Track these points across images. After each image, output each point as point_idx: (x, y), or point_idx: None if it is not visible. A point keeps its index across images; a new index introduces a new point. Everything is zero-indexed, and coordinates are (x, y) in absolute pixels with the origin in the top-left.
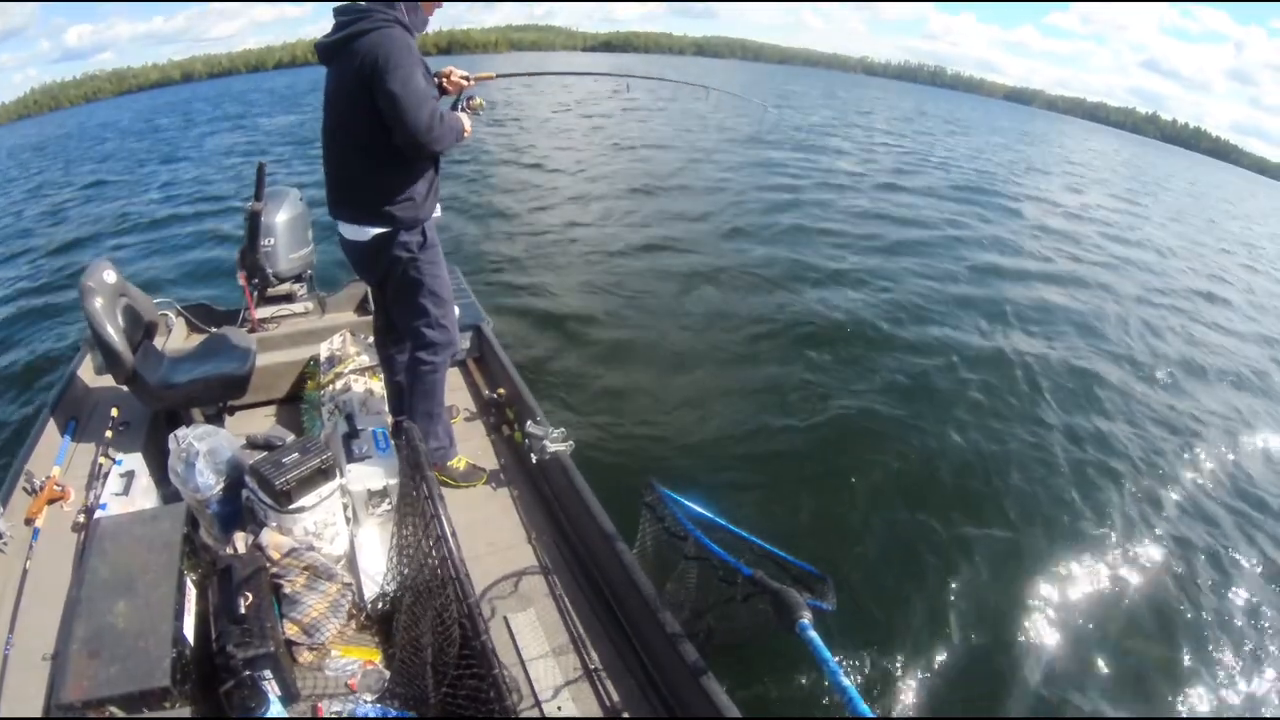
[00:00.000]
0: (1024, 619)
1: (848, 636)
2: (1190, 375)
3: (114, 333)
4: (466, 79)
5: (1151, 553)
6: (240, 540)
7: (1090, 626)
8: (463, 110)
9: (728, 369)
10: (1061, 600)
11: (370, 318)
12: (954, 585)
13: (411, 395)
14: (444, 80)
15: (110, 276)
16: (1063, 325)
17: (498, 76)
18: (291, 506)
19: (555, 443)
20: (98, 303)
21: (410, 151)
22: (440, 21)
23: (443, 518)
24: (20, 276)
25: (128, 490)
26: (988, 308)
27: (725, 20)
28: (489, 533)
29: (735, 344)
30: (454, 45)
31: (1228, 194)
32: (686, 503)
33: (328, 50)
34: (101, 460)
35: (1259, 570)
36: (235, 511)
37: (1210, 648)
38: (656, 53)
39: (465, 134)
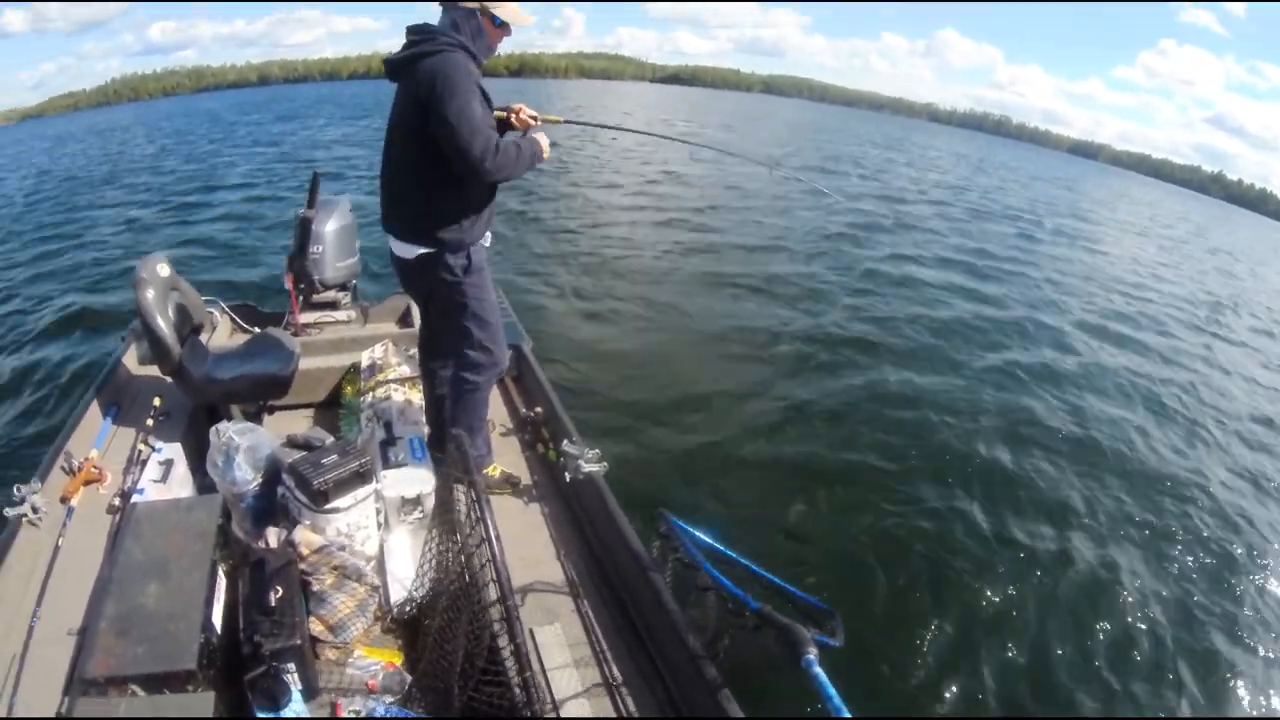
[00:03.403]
0: (1042, 664)
1: (857, 672)
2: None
3: (163, 324)
4: (534, 118)
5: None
6: (272, 535)
7: (1115, 673)
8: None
9: (758, 402)
10: (1081, 645)
11: (410, 330)
12: (968, 626)
13: (454, 410)
14: (513, 116)
15: (164, 270)
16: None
17: (565, 122)
18: (327, 506)
19: (590, 463)
20: (150, 294)
21: (465, 177)
22: (512, 45)
23: (489, 522)
24: (72, 264)
25: (165, 478)
26: (1027, 358)
27: (792, 60)
28: (519, 547)
29: (771, 378)
30: (524, 68)
31: None
32: (698, 534)
33: (395, 68)
34: (141, 447)
35: None
36: (269, 507)
37: None
38: (724, 89)
39: (545, 155)
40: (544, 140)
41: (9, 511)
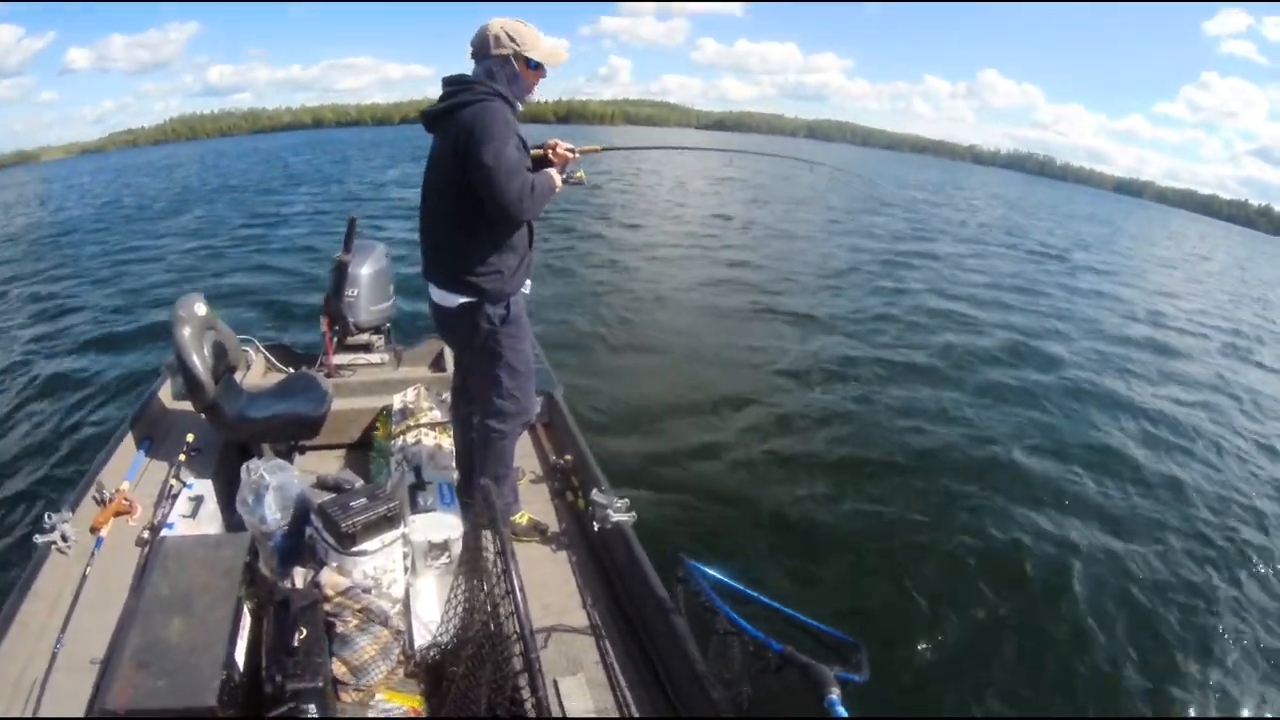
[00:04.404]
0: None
1: (883, 706)
2: None
3: (198, 362)
4: (572, 151)
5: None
6: (298, 575)
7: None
8: (567, 182)
9: (784, 439)
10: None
11: (443, 374)
12: (996, 662)
13: (482, 458)
14: (550, 152)
15: (200, 309)
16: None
17: (603, 150)
18: (354, 549)
19: (618, 513)
20: (186, 332)
21: (499, 221)
22: (559, 91)
23: (514, 573)
24: (104, 305)
25: (195, 514)
26: (1080, 397)
27: (835, 105)
28: (545, 595)
29: (802, 418)
30: (572, 114)
31: None
32: (718, 575)
33: (432, 119)
34: (172, 482)
35: None
36: (296, 547)
37: None
38: (768, 133)
39: (556, 190)
40: (556, 176)
41: (39, 538)
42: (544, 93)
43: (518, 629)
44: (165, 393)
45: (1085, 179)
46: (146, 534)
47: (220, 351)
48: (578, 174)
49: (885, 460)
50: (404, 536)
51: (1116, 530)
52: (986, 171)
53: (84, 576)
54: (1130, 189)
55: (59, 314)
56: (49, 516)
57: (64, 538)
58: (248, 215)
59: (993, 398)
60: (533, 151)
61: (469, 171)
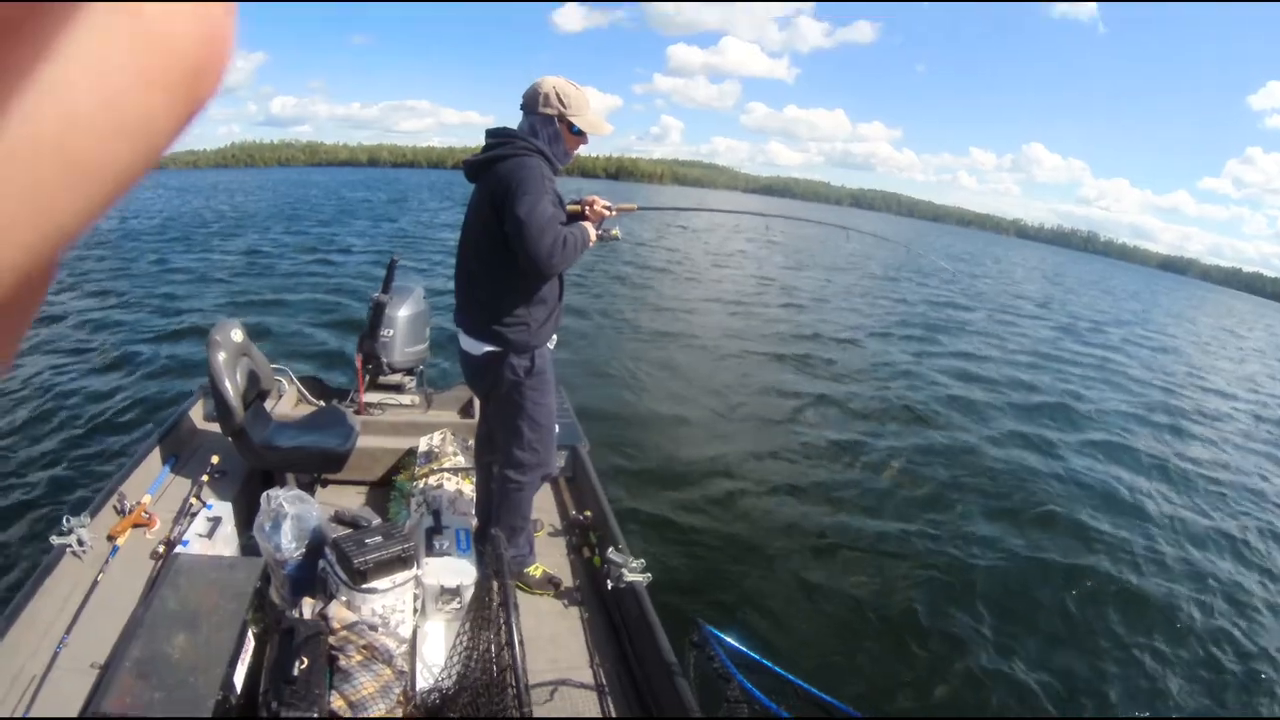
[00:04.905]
0: None
1: None
2: None
3: (230, 387)
4: (608, 209)
5: None
6: (307, 606)
7: None
8: (602, 239)
9: (816, 508)
10: None
11: (471, 421)
12: None
13: (499, 508)
14: (587, 209)
15: (236, 335)
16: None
17: (639, 209)
18: (365, 586)
19: (633, 573)
20: (221, 357)
21: (530, 273)
22: (611, 148)
23: (514, 627)
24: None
25: (212, 534)
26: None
27: (881, 174)
28: (553, 650)
29: (833, 488)
30: (621, 172)
31: None
32: (733, 642)
33: (473, 169)
34: (193, 500)
35: None
36: (308, 578)
37: None
38: (814, 200)
39: (589, 244)
40: (591, 230)
41: (55, 540)
42: (595, 148)
43: (514, 683)
44: (197, 413)
45: (1129, 255)
46: (162, 548)
47: (253, 378)
48: (613, 231)
49: (916, 532)
50: (417, 578)
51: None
52: (1029, 246)
53: (95, 582)
54: (1174, 266)
55: (104, 324)
56: (67, 520)
57: (80, 542)
58: (299, 246)
59: (1017, 464)
60: (570, 207)
61: (504, 224)
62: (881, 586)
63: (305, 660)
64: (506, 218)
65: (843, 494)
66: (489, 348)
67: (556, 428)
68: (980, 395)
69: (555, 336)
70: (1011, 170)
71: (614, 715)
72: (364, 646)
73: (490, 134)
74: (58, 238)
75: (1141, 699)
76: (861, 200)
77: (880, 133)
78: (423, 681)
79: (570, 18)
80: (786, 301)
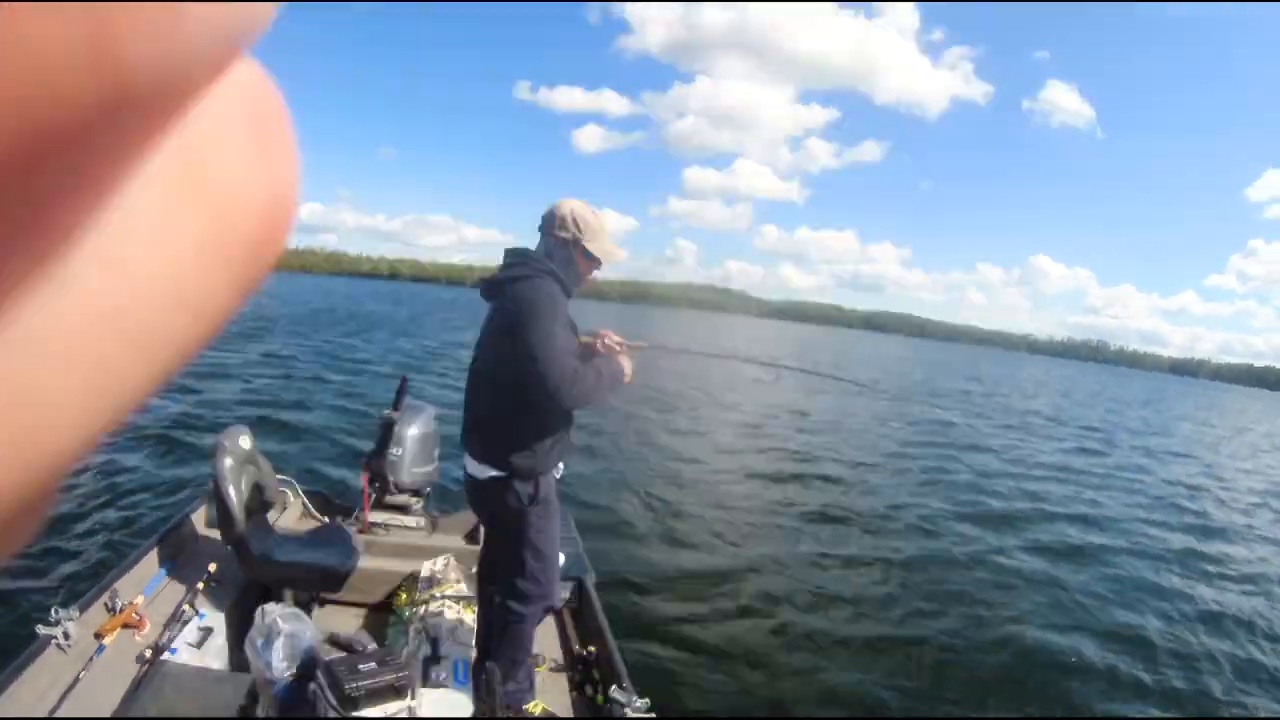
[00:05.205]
0: None
1: None
2: None
3: (234, 495)
4: (619, 345)
5: None
6: None
7: None
8: None
9: (830, 650)
10: None
11: (476, 547)
12: None
13: (498, 640)
14: (598, 343)
15: (245, 443)
16: None
17: (649, 348)
18: (355, 714)
19: (637, 713)
20: (227, 463)
21: (544, 402)
22: (625, 272)
23: None
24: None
25: (202, 644)
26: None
27: (891, 294)
28: None
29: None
30: (637, 295)
31: None
32: None
33: (489, 288)
34: (186, 607)
35: None
36: (297, 700)
37: None
38: (827, 324)
39: (625, 378)
40: (627, 364)
41: (41, 629)
42: (610, 272)
43: None
44: (199, 517)
45: (1140, 362)
46: (149, 652)
47: (257, 488)
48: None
49: (927, 636)
50: (410, 709)
51: None
52: (1041, 361)
53: (76, 679)
54: (1185, 369)
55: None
56: (56, 611)
57: (66, 635)
58: (313, 355)
59: (1024, 580)
60: (582, 339)
61: (515, 347)
62: (895, 691)
63: None
64: (519, 343)
65: (851, 607)
66: (493, 472)
67: (561, 558)
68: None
69: (562, 465)
70: (1019, 284)
71: None
72: None
73: (508, 253)
74: (118, 408)
75: None
76: (874, 323)
77: (889, 253)
78: None
79: (590, 138)
80: (794, 430)
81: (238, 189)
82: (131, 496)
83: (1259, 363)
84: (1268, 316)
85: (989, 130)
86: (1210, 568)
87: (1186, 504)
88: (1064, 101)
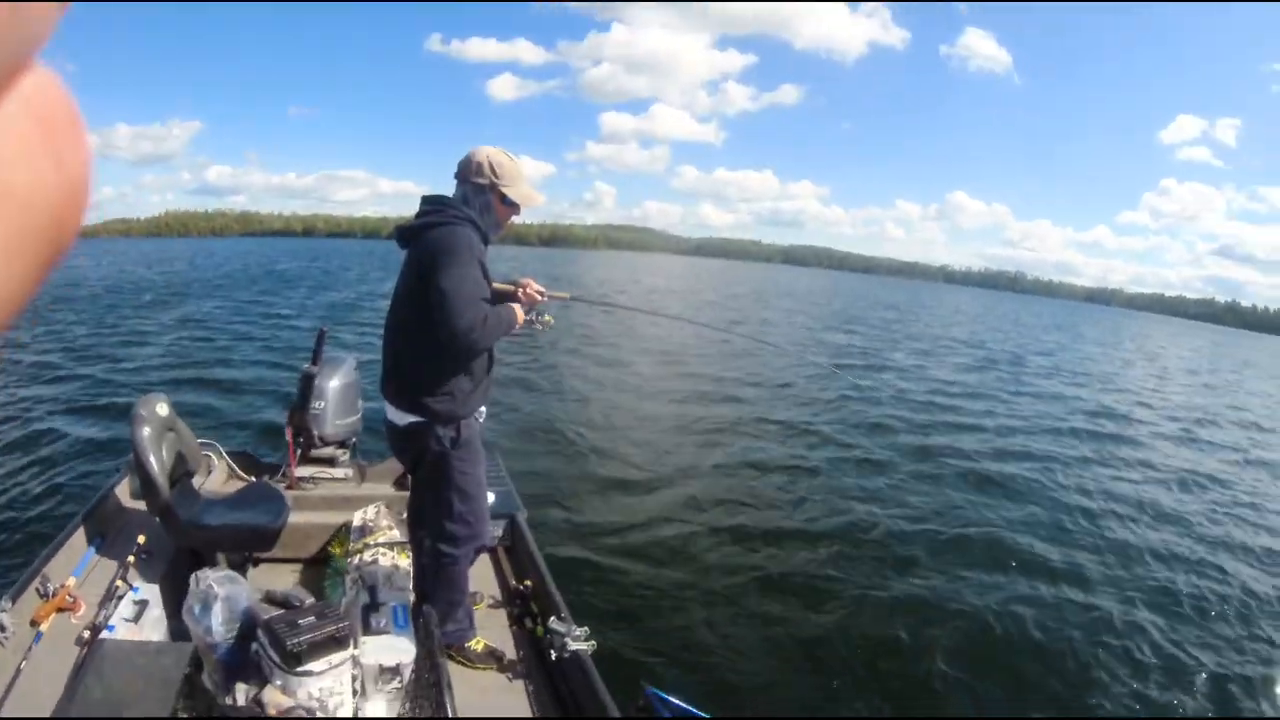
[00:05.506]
0: None
1: None
2: None
3: (155, 463)
4: (541, 294)
5: None
6: (241, 692)
7: None
8: (531, 325)
9: (756, 558)
10: None
11: (405, 493)
12: None
13: (433, 583)
14: (521, 291)
15: (163, 409)
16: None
17: (572, 299)
18: (299, 669)
19: (577, 641)
20: (145, 432)
21: (450, 348)
22: (545, 215)
23: (449, 707)
24: (85, 389)
25: (138, 618)
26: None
27: (811, 230)
28: None
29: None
30: (556, 239)
31: None
32: (681, 704)
33: (405, 235)
34: (119, 582)
35: None
36: (241, 662)
37: None
38: (746, 260)
39: (515, 325)
40: (520, 313)
41: None
42: (529, 216)
43: None
44: (123, 490)
45: (1055, 291)
46: (87, 633)
47: (179, 454)
48: (545, 317)
49: (855, 568)
50: (354, 659)
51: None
52: (958, 290)
53: (18, 670)
54: (1100, 297)
55: (29, 396)
56: None
57: (1, 627)
58: (231, 316)
59: (946, 488)
60: (503, 286)
61: (427, 293)
62: (828, 625)
63: None
64: (431, 288)
65: (781, 535)
66: (413, 418)
67: (491, 497)
68: (900, 422)
69: (484, 408)
70: (937, 219)
71: None
72: None
73: (425, 201)
74: None
75: None
76: (792, 257)
77: (808, 190)
78: None
79: (504, 87)
80: (717, 354)
81: (32, 192)
82: (54, 474)
83: (1170, 292)
84: (1179, 251)
85: (907, 75)
86: (1112, 464)
87: (1095, 414)
88: (981, 48)
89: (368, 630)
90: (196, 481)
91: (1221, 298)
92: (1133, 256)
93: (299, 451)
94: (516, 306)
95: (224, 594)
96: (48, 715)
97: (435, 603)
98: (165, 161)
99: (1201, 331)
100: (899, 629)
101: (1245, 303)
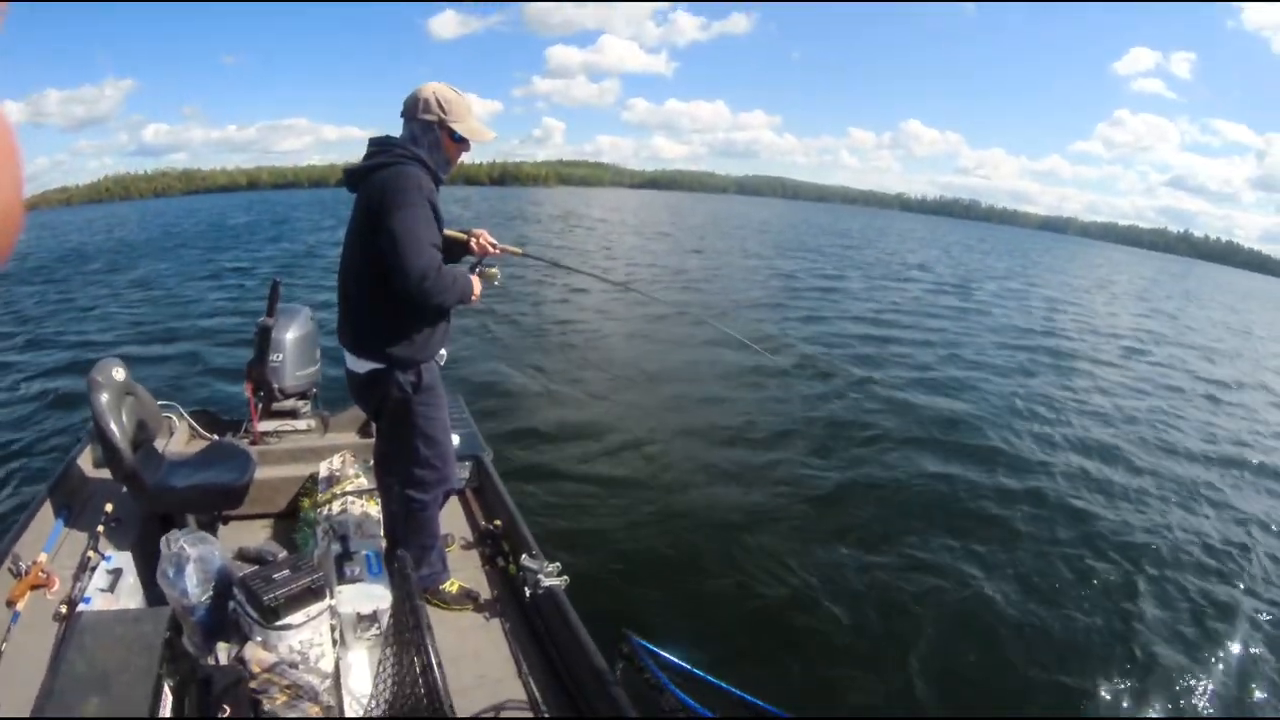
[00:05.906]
0: None
1: None
2: None
3: (116, 429)
4: (494, 246)
5: None
6: (223, 651)
7: None
8: (478, 274)
9: (728, 503)
10: None
11: (370, 441)
12: None
13: (405, 529)
14: (473, 241)
15: (119, 374)
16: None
17: (523, 254)
18: (278, 623)
19: (549, 577)
20: (104, 398)
21: (404, 298)
22: (494, 154)
23: (430, 649)
24: (40, 361)
25: (113, 588)
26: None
27: (764, 160)
28: (479, 666)
29: (751, 481)
30: (506, 177)
31: None
32: (664, 654)
33: (353, 178)
34: (90, 554)
35: None
36: (220, 622)
37: None
38: (700, 191)
39: (474, 299)
40: (477, 285)
41: None
42: (479, 155)
43: (438, 705)
44: (86, 460)
45: (1010, 219)
46: (64, 609)
47: (139, 418)
48: (492, 270)
49: (835, 511)
50: (331, 609)
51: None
52: (913, 218)
53: (0, 653)
54: (1054, 226)
55: None
56: None
57: None
58: (181, 276)
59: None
60: (456, 234)
61: (377, 236)
62: (808, 577)
63: (227, 709)
64: (380, 230)
65: (760, 474)
66: (372, 365)
67: (456, 439)
68: (873, 350)
69: (445, 351)
70: (891, 147)
71: None
72: (287, 686)
73: (372, 142)
74: None
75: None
76: (746, 187)
77: (761, 120)
78: (352, 713)
79: (446, 24)
80: (679, 284)
81: None
82: (13, 450)
83: (1123, 221)
84: (1131, 180)
85: (859, 3)
86: (1064, 380)
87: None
88: None
89: (342, 579)
90: (159, 444)
91: (1174, 228)
92: (1087, 185)
93: (260, 406)
94: (475, 279)
95: (196, 555)
96: (32, 695)
97: (408, 548)
98: (100, 124)
99: (1154, 260)
100: (858, 549)
101: (1198, 233)
